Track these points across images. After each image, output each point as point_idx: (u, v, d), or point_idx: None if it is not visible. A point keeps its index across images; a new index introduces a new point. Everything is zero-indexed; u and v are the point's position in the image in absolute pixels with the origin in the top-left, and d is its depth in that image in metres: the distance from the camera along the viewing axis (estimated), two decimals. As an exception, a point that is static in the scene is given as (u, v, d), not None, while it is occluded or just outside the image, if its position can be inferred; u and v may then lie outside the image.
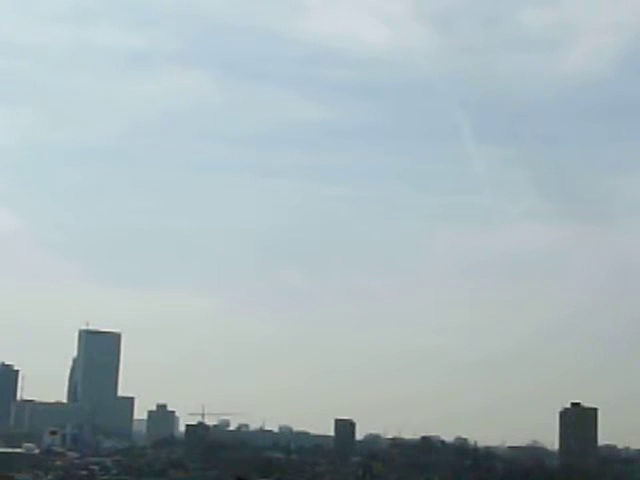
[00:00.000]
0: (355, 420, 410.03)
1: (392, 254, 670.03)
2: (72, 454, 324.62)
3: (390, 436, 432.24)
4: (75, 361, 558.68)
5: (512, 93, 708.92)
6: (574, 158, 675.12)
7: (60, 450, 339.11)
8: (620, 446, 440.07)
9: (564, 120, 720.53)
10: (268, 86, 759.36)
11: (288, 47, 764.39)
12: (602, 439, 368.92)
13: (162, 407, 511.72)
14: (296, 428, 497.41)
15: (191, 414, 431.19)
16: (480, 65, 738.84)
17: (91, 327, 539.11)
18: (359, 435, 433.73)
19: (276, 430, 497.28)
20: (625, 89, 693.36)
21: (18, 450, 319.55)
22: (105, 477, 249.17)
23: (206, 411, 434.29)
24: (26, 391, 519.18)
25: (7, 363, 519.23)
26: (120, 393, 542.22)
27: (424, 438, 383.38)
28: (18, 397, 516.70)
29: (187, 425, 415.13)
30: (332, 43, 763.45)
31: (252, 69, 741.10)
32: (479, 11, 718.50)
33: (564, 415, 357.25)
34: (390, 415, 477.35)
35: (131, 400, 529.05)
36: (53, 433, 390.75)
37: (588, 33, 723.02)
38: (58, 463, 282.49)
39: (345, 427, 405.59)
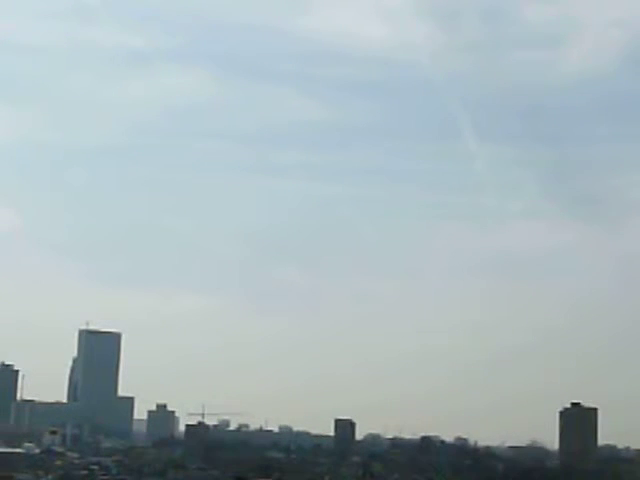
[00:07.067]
0: (355, 420, 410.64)
1: (392, 253, 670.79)
2: (72, 454, 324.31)
3: (390, 436, 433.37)
4: (75, 361, 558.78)
5: (514, 91, 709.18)
6: (576, 156, 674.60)
7: (60, 450, 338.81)
8: (620, 446, 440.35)
9: (566, 118, 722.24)
10: (268, 84, 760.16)
11: (288, 45, 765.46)
12: (602, 439, 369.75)
13: (162, 407, 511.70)
14: (296, 428, 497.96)
15: (191, 414, 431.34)
16: (482, 62, 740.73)
17: (91, 327, 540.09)
18: (359, 435, 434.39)
19: (276, 430, 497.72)
20: (628, 86, 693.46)
21: (18, 450, 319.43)
22: (105, 477, 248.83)
23: (206, 411, 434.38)
24: (26, 391, 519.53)
25: (7, 363, 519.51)
26: (120, 393, 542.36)
27: (424, 438, 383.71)
28: (18, 397, 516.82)
29: (187, 425, 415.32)
30: (332, 40, 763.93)
31: (252, 67, 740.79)
32: (481, 7, 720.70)
33: (564, 415, 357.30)
34: (390, 415, 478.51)
35: (131, 400, 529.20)
36: (53, 433, 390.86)
37: (591, 29, 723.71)
38: (58, 463, 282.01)
39: (345, 427, 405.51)
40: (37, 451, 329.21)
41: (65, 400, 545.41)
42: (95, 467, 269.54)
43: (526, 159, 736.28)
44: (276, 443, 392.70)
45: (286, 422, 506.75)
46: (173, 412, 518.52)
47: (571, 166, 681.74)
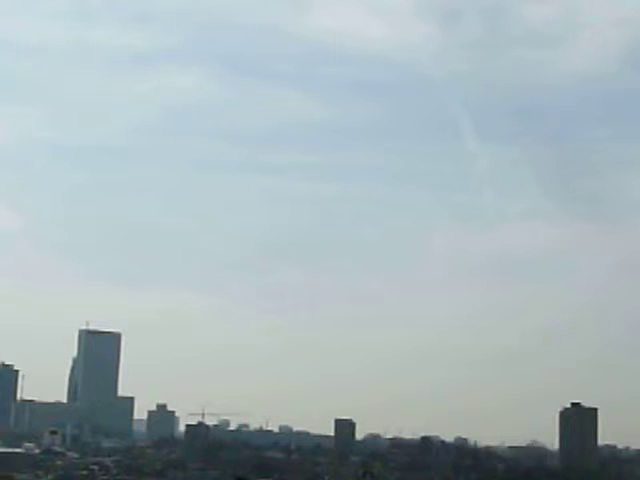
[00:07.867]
0: (355, 420, 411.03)
1: (392, 254, 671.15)
2: (72, 454, 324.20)
3: (390, 436, 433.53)
4: (75, 361, 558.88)
5: (514, 90, 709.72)
6: (576, 156, 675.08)
7: (60, 450, 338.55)
8: (620, 446, 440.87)
9: (566, 118, 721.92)
10: (268, 83, 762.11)
11: (288, 44, 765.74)
12: (602, 439, 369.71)
13: (162, 407, 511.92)
14: (296, 428, 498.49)
15: (191, 414, 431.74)
16: (481, 62, 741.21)
17: (91, 327, 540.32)
18: (359, 435, 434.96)
19: (276, 430, 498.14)
20: (628, 86, 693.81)
21: (18, 450, 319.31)
22: (105, 477, 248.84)
23: (206, 411, 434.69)
24: (26, 391, 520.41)
25: (7, 363, 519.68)
26: (120, 393, 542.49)
27: (424, 438, 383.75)
28: (18, 397, 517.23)
29: (187, 425, 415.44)
30: (332, 40, 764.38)
31: (252, 66, 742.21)
32: (480, 7, 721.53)
33: (564, 415, 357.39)
34: (390, 415, 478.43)
35: (131, 400, 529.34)
36: (53, 433, 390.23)
37: (591, 29, 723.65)
38: (58, 463, 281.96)
39: (345, 427, 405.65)
40: (37, 451, 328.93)
41: (65, 400, 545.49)
42: (95, 467, 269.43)
43: (526, 159, 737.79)
44: (276, 443, 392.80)
45: (286, 422, 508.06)
46: (173, 412, 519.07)
47: (571, 166, 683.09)
